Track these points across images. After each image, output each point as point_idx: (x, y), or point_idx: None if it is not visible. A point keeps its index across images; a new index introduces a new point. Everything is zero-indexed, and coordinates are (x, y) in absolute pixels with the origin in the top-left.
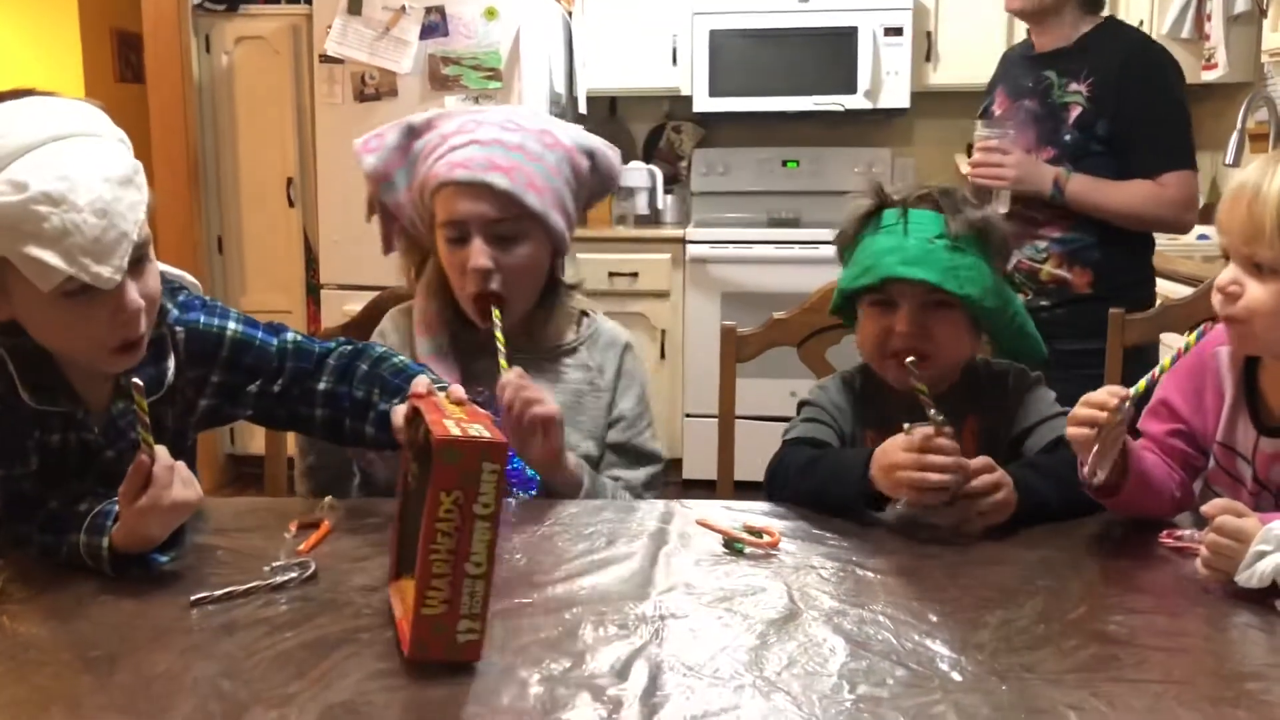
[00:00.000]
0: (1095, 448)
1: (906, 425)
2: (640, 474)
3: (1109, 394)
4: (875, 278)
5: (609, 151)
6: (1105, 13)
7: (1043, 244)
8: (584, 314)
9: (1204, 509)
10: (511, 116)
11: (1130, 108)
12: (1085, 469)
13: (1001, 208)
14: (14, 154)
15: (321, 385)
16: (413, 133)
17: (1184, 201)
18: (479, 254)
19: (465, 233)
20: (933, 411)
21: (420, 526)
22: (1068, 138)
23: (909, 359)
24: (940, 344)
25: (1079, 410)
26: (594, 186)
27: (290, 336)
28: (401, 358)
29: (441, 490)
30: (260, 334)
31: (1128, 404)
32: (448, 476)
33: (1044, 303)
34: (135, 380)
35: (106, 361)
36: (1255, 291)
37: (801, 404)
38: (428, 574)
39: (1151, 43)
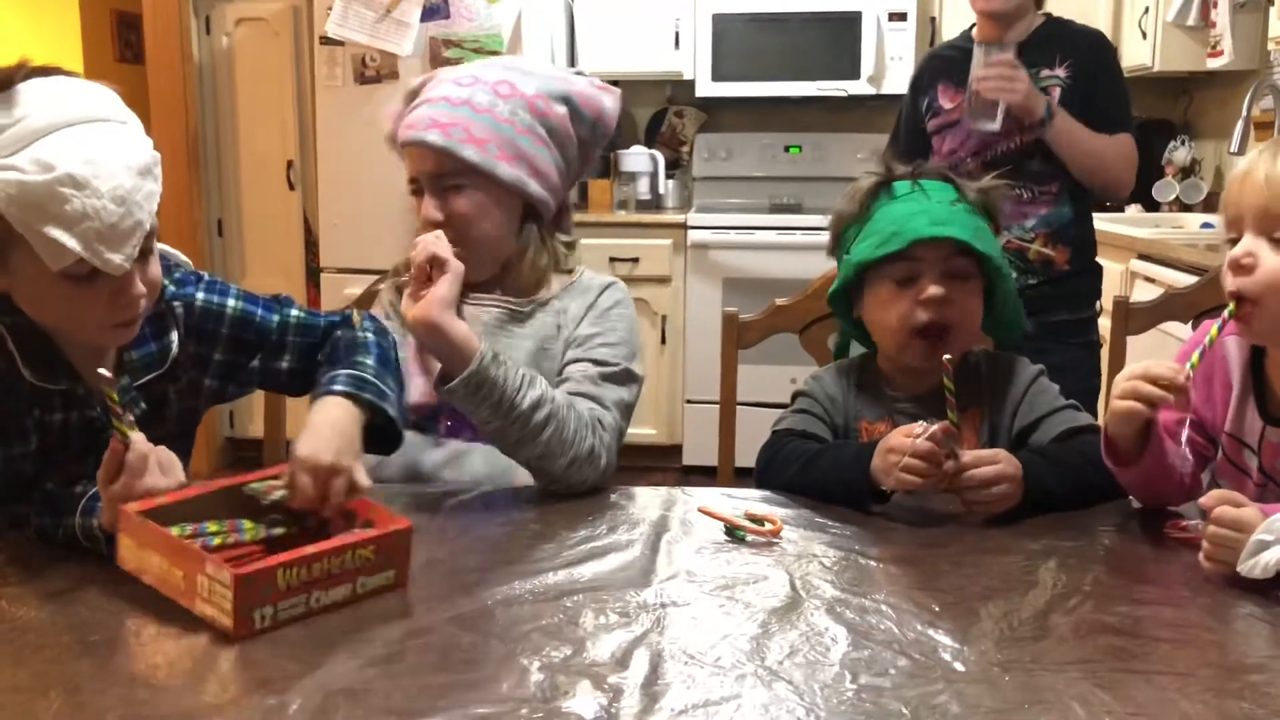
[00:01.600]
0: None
1: (921, 425)
2: (605, 390)
3: (1175, 370)
4: (903, 241)
5: (596, 94)
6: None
7: (1030, 222)
8: (569, 270)
9: (1201, 501)
10: (475, 70)
11: (1102, 84)
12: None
13: (995, 124)
14: (42, 131)
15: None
16: (411, 96)
17: (1134, 162)
18: (427, 206)
19: (419, 189)
20: (951, 414)
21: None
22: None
23: (945, 356)
24: (964, 314)
25: (1137, 384)
26: (584, 134)
27: (293, 313)
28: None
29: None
30: (260, 310)
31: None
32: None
33: (1031, 281)
34: (102, 371)
35: (103, 337)
36: (1271, 262)
37: (795, 394)
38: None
39: (1099, 31)
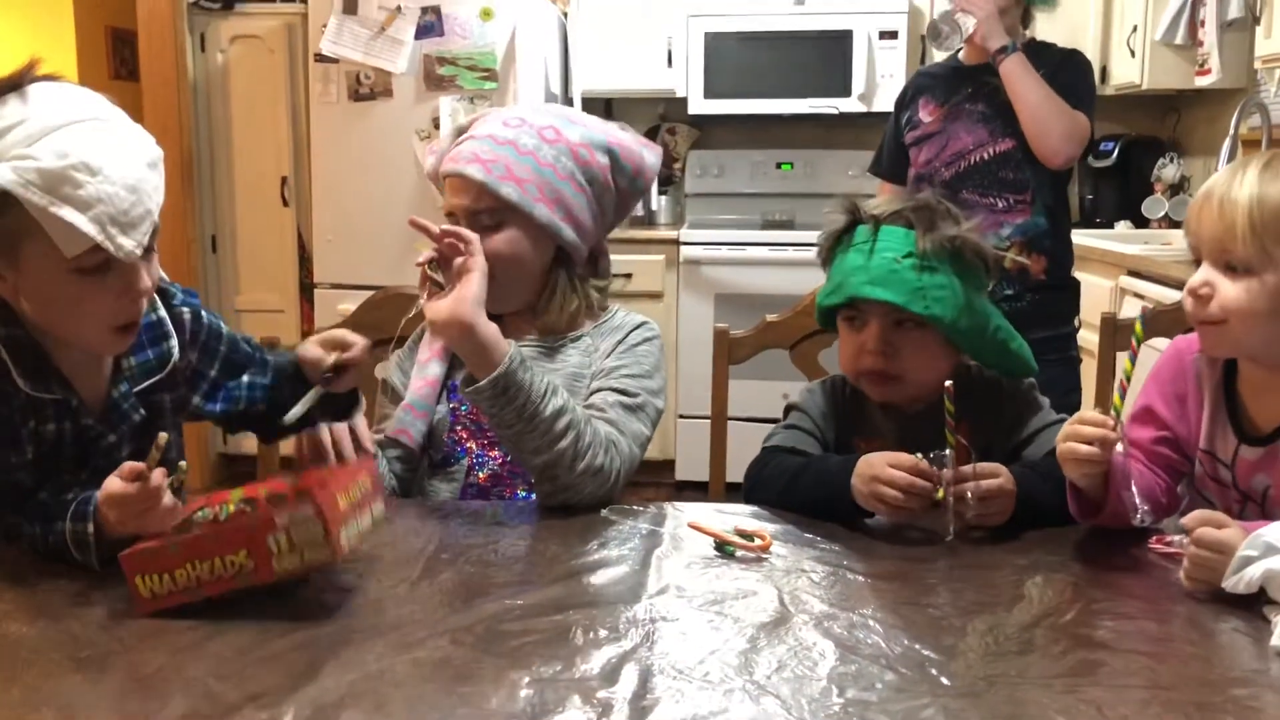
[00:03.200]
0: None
1: (920, 455)
2: (624, 419)
3: (1098, 423)
4: (843, 296)
5: (638, 149)
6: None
7: (1005, 231)
8: (604, 309)
9: (1183, 521)
10: (523, 113)
11: (1068, 77)
12: (1132, 509)
13: (958, 42)
14: (54, 126)
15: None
16: (458, 133)
17: (1080, 136)
18: None
19: (457, 222)
20: (950, 436)
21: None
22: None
23: (947, 382)
24: (909, 365)
25: (1074, 445)
26: (623, 185)
27: (255, 341)
28: None
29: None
30: (241, 337)
31: (1117, 420)
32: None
33: (1008, 292)
34: (162, 438)
35: (106, 341)
36: (1228, 290)
37: (788, 408)
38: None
39: (1076, 49)
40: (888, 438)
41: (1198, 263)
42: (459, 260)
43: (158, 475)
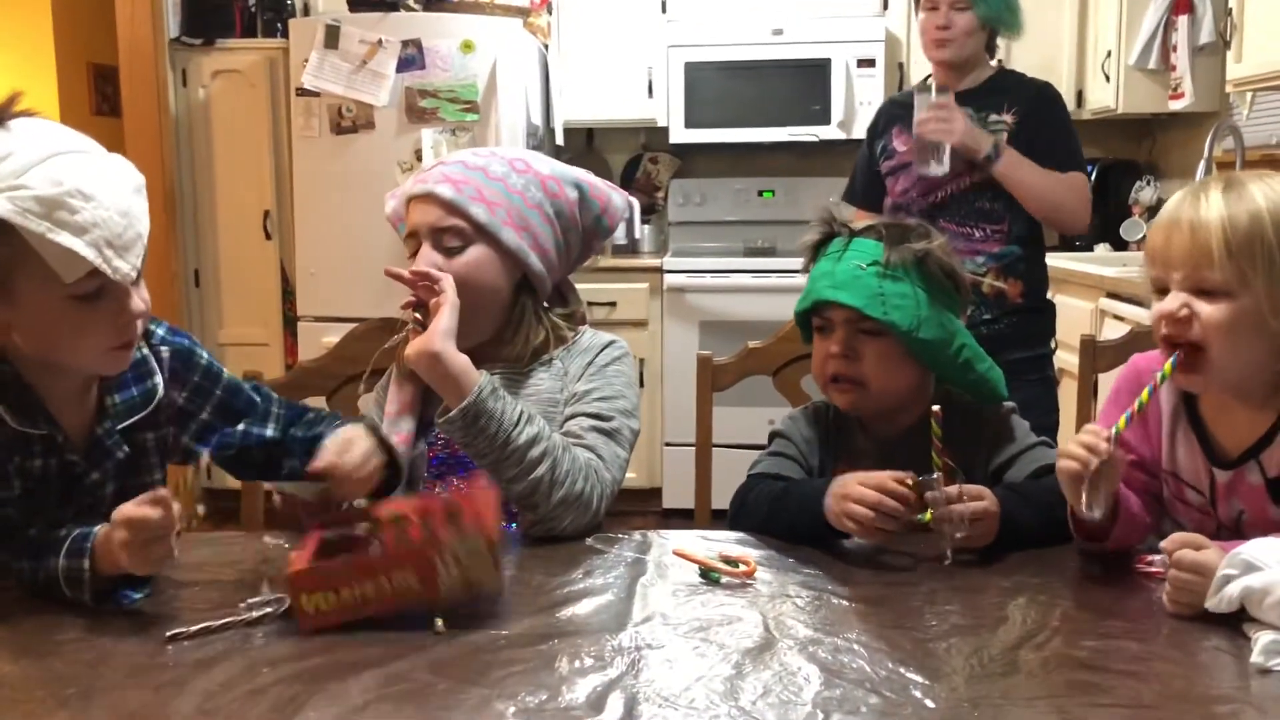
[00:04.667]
0: (1087, 485)
1: (910, 480)
2: (601, 443)
3: (1094, 434)
4: (808, 301)
5: (606, 189)
6: (1000, 57)
7: (981, 259)
8: (571, 330)
9: (1162, 545)
10: (493, 148)
11: (1047, 127)
12: (1082, 506)
13: (941, 168)
14: (41, 158)
15: (298, 432)
16: (418, 177)
17: (1088, 198)
18: (422, 259)
19: (419, 243)
20: (936, 459)
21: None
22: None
23: (935, 407)
24: (869, 370)
25: (1070, 449)
26: (588, 223)
27: (275, 395)
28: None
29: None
30: (248, 386)
31: (1113, 441)
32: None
33: (986, 316)
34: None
35: (103, 362)
36: (1208, 312)
37: (772, 435)
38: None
39: (1047, 82)
40: (871, 463)
41: (1160, 292)
42: (433, 300)
43: (176, 507)
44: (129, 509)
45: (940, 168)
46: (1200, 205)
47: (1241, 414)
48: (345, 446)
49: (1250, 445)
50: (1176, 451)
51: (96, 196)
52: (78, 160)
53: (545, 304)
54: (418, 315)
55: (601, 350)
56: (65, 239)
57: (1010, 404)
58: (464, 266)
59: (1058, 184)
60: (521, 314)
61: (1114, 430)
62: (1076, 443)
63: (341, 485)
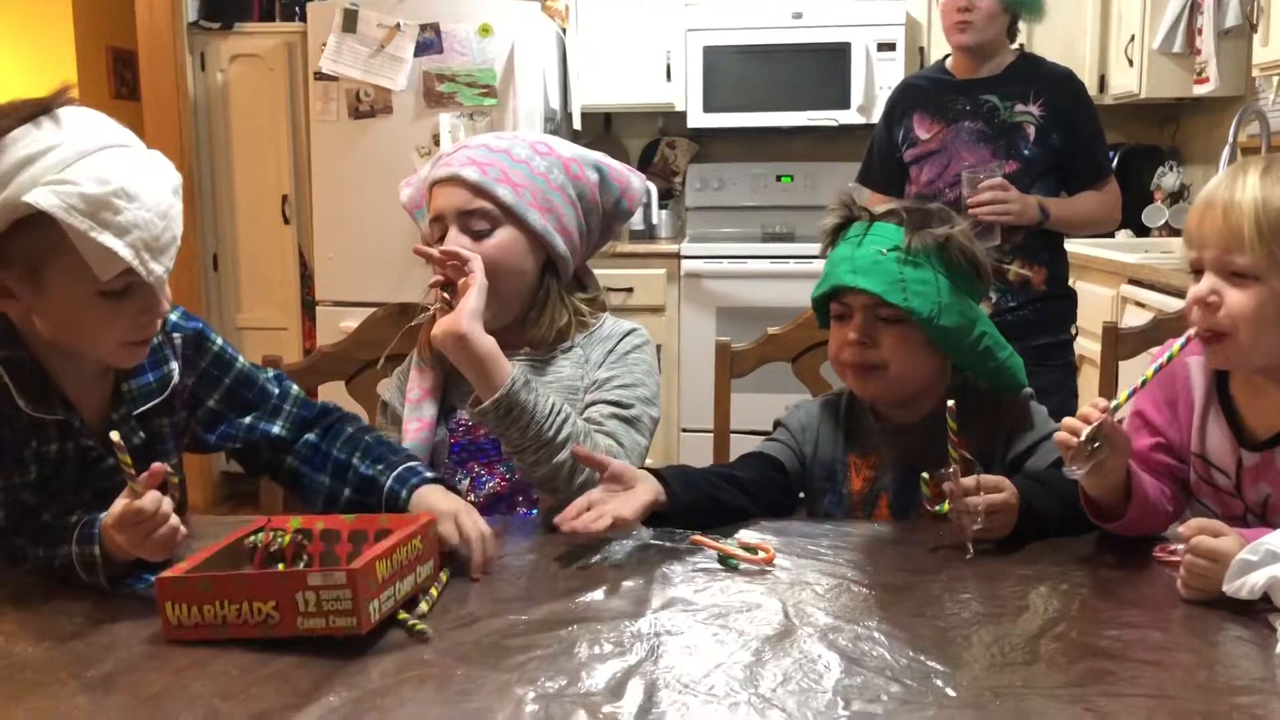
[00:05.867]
0: (1075, 450)
1: (926, 474)
2: (621, 430)
3: (1092, 405)
4: (828, 286)
5: (625, 171)
6: (1022, 40)
7: (1007, 246)
8: (593, 316)
9: (1180, 529)
10: (514, 132)
11: (1079, 124)
12: (1070, 466)
13: (996, 239)
14: (87, 151)
15: (311, 437)
16: (439, 160)
17: (1120, 203)
18: (450, 243)
19: (445, 227)
20: (953, 452)
21: None
22: (1027, 152)
23: (950, 401)
24: (889, 356)
25: (1067, 420)
26: (608, 205)
27: (294, 389)
28: (379, 433)
29: None
30: (264, 377)
31: (1110, 413)
32: None
33: (1012, 303)
34: (114, 436)
35: (120, 355)
36: (1235, 298)
37: (775, 423)
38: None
39: (1070, 70)
40: (884, 454)
41: (1197, 273)
42: (461, 280)
43: (152, 499)
44: (115, 510)
45: (994, 240)
46: (1236, 187)
47: (1274, 396)
48: (469, 518)
49: None
50: (1206, 433)
51: (140, 197)
52: (123, 156)
53: (565, 289)
54: (445, 295)
55: (623, 338)
56: (107, 239)
57: (1028, 391)
58: (492, 249)
59: (1098, 207)
60: (546, 296)
61: (1113, 403)
62: (1069, 423)
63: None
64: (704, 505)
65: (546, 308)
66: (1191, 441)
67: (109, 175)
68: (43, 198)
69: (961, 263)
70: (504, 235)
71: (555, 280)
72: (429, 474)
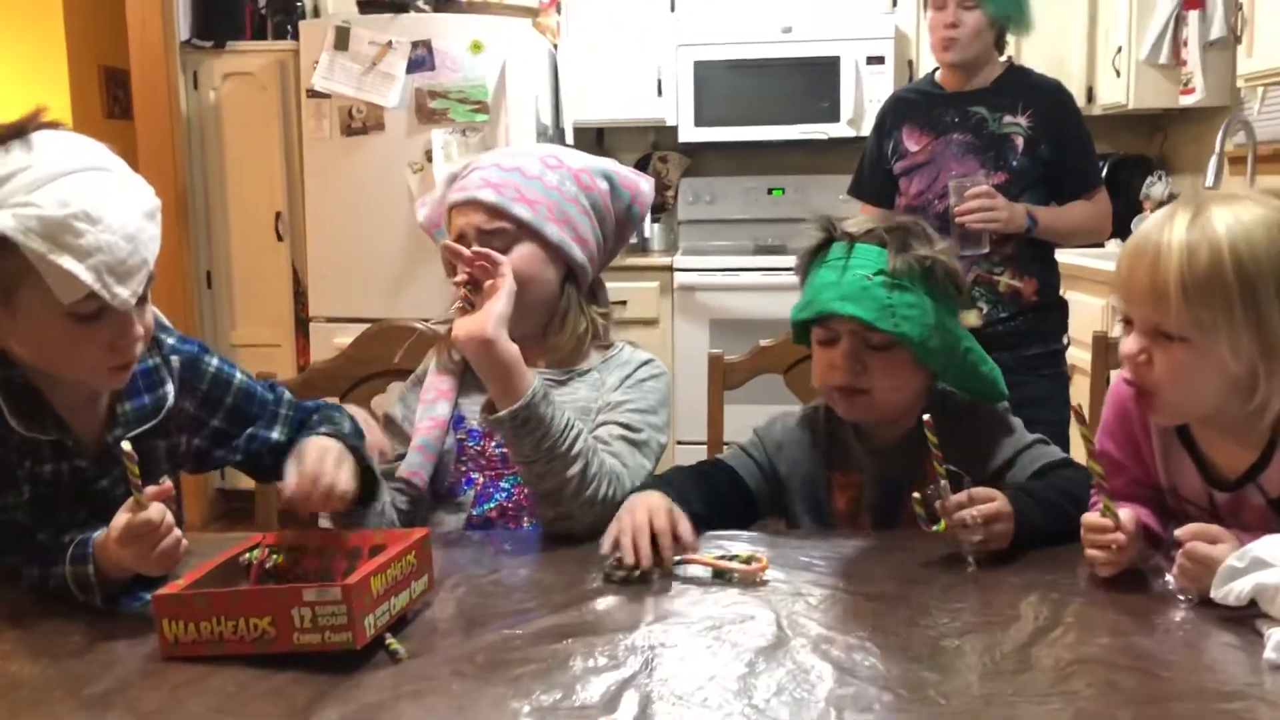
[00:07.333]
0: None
1: (916, 495)
2: (628, 453)
3: (1100, 529)
4: (813, 312)
5: (634, 176)
6: (1010, 52)
7: (997, 257)
8: (609, 342)
9: (1177, 533)
10: (523, 147)
11: (1067, 135)
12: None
13: (983, 249)
14: (56, 175)
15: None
16: (452, 180)
17: (1110, 214)
18: None
19: (467, 245)
20: (938, 467)
21: None
22: (1015, 163)
23: (925, 415)
24: (878, 382)
25: (1093, 554)
26: (620, 212)
27: (286, 395)
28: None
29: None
30: (259, 387)
31: (1115, 516)
32: None
33: (1003, 314)
34: (125, 446)
35: (98, 379)
36: (1164, 362)
37: (754, 433)
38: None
39: (1059, 82)
40: (865, 470)
41: (1128, 323)
42: (489, 281)
43: (159, 510)
44: (118, 523)
45: (983, 249)
46: (1164, 235)
47: (1232, 439)
48: (320, 456)
49: (1246, 470)
50: (1173, 472)
51: (104, 219)
52: (92, 179)
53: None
54: (469, 294)
55: (640, 366)
56: (66, 262)
57: (1004, 404)
58: (515, 263)
59: (1087, 218)
60: (568, 305)
61: (1104, 508)
62: (1091, 543)
63: (304, 502)
64: (707, 516)
65: (569, 316)
66: (1161, 478)
67: (71, 198)
68: (2, 221)
69: (944, 281)
70: (523, 251)
71: (575, 289)
72: (342, 426)
